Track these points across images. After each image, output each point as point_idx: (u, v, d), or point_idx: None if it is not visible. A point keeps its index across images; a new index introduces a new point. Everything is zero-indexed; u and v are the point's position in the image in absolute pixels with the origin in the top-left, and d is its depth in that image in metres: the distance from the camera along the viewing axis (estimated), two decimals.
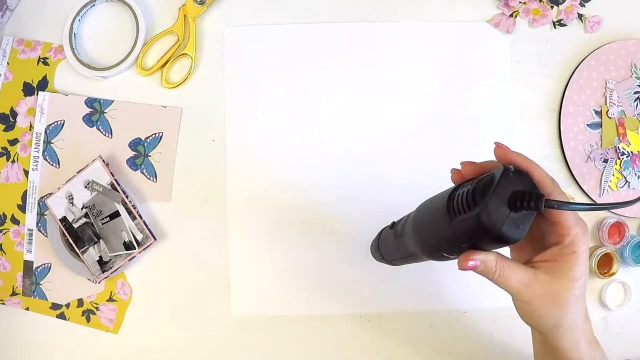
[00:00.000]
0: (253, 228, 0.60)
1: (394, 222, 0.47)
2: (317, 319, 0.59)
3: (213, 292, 0.59)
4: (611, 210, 0.60)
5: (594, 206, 0.36)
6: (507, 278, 0.38)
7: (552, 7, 0.61)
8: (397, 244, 0.46)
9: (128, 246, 0.58)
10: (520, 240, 0.34)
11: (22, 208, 0.61)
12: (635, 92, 0.60)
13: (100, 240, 0.58)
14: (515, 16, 0.61)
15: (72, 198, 0.58)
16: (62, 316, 0.60)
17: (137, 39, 0.60)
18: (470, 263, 0.37)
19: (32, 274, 0.60)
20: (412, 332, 0.60)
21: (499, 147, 0.37)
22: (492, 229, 0.33)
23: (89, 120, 0.61)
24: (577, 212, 0.36)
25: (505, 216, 0.33)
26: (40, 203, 0.60)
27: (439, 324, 0.60)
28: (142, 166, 0.60)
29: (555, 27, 0.61)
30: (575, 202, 0.34)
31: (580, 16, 0.61)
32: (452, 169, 0.40)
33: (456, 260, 0.38)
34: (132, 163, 0.60)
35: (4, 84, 0.62)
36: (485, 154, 0.60)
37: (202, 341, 0.59)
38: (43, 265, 0.60)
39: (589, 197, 0.60)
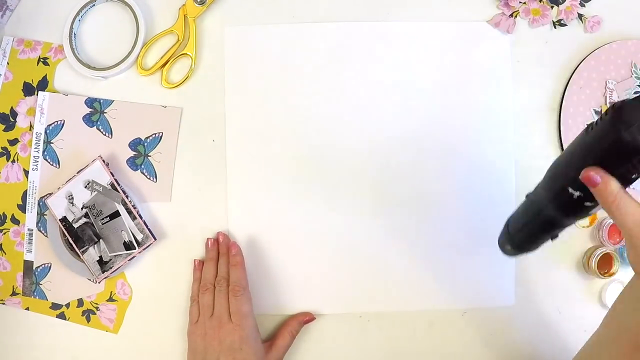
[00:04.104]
0: (253, 228, 0.60)
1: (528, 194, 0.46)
2: (317, 319, 0.59)
3: None
4: None
5: None
6: (622, 210, 0.36)
7: (552, 7, 0.61)
8: (527, 205, 0.45)
9: (128, 246, 0.58)
10: None
11: (22, 208, 0.61)
12: (635, 92, 0.60)
13: (100, 240, 0.58)
14: (515, 16, 0.61)
15: (72, 198, 0.58)
16: (62, 316, 0.60)
17: (137, 39, 0.60)
18: (594, 175, 0.35)
19: (32, 274, 0.60)
20: (412, 332, 0.60)
21: None
22: (622, 129, 0.32)
23: (89, 120, 0.61)
24: None
25: (638, 120, 0.32)
26: (40, 203, 0.60)
27: (439, 323, 0.60)
28: (142, 166, 0.60)
29: (555, 27, 0.61)
30: None
31: (580, 16, 0.61)
32: None
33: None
34: (132, 163, 0.60)
35: (4, 84, 0.62)
36: (485, 154, 0.60)
37: None
38: (43, 265, 0.60)
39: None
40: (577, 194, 0.38)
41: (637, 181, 0.49)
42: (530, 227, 0.45)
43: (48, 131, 0.61)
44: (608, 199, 0.36)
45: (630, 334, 0.40)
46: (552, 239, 0.45)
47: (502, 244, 0.51)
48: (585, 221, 0.60)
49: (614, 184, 0.36)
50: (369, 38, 0.61)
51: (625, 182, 0.37)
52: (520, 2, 0.61)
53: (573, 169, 0.37)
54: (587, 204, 0.38)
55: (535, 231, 0.45)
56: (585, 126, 0.37)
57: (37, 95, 0.61)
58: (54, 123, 0.61)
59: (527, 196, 0.46)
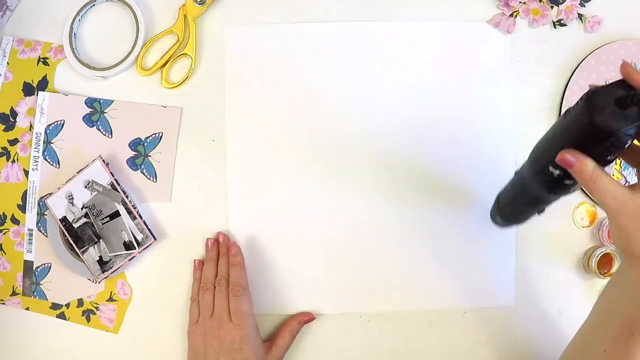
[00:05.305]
0: (253, 228, 0.60)
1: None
2: (317, 319, 0.59)
3: None
4: None
5: None
6: (601, 189, 0.37)
7: (552, 7, 0.61)
8: (515, 182, 0.48)
9: (128, 246, 0.58)
10: (620, 131, 0.35)
11: (22, 208, 0.61)
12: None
13: (100, 240, 0.58)
14: (515, 16, 0.61)
15: (72, 198, 0.58)
16: (62, 316, 0.60)
17: (137, 39, 0.60)
18: (568, 157, 0.37)
19: (32, 274, 0.60)
20: (412, 332, 0.60)
21: (624, 65, 0.36)
22: (595, 114, 0.34)
23: (89, 120, 0.61)
24: None
25: (610, 106, 0.34)
26: (40, 203, 0.60)
27: (438, 323, 0.60)
28: (142, 166, 0.60)
29: (555, 27, 0.61)
30: None
31: (580, 16, 0.61)
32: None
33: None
34: (132, 163, 0.60)
35: (4, 84, 0.62)
36: (485, 154, 0.60)
37: None
38: (43, 265, 0.60)
39: (589, 197, 0.60)
40: (557, 172, 0.39)
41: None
42: (517, 201, 0.48)
43: (48, 131, 0.61)
44: (585, 178, 0.37)
45: (621, 319, 0.41)
46: (538, 214, 0.48)
47: (493, 216, 0.54)
48: (585, 221, 0.60)
49: (589, 164, 0.37)
50: (369, 38, 0.61)
51: (602, 163, 0.38)
52: (520, 2, 0.61)
53: (553, 150, 0.38)
54: (567, 181, 0.40)
55: (522, 206, 0.48)
56: (564, 111, 0.39)
57: (37, 95, 0.61)
58: (54, 123, 0.61)
59: (515, 173, 0.48)
